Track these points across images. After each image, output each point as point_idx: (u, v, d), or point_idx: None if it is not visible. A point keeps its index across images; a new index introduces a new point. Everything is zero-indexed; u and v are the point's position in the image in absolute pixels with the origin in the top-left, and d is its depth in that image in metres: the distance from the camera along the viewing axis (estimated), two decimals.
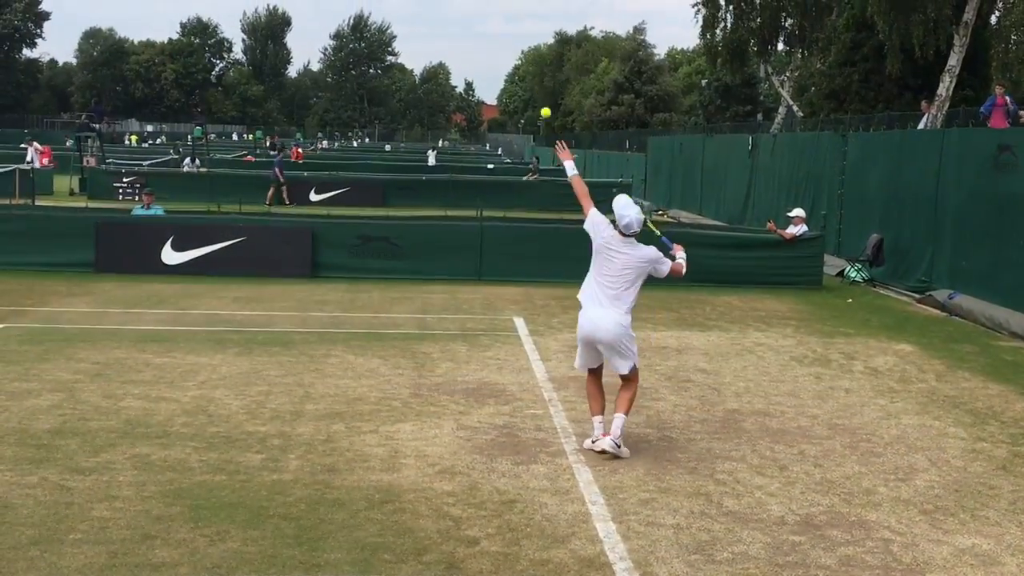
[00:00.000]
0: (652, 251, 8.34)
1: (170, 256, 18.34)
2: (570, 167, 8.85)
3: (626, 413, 8.20)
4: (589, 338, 8.22)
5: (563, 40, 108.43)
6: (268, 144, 74.58)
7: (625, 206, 8.09)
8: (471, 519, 6.72)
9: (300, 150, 56.87)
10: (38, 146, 45.68)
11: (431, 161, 56.92)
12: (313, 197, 36.61)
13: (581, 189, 8.58)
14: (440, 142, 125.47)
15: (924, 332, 14.76)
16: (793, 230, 19.14)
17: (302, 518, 6.63)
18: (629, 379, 8.31)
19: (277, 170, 35.94)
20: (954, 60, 27.45)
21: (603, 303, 8.16)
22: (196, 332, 12.98)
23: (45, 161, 43.50)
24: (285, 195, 35.57)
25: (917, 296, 17.89)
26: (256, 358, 11.46)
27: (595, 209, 8.34)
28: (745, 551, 6.34)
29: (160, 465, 7.63)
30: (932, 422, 9.65)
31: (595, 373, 8.46)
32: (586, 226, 8.34)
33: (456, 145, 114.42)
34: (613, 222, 8.17)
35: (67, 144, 40.60)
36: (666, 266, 8.58)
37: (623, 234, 8.13)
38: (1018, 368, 12.42)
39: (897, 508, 7.22)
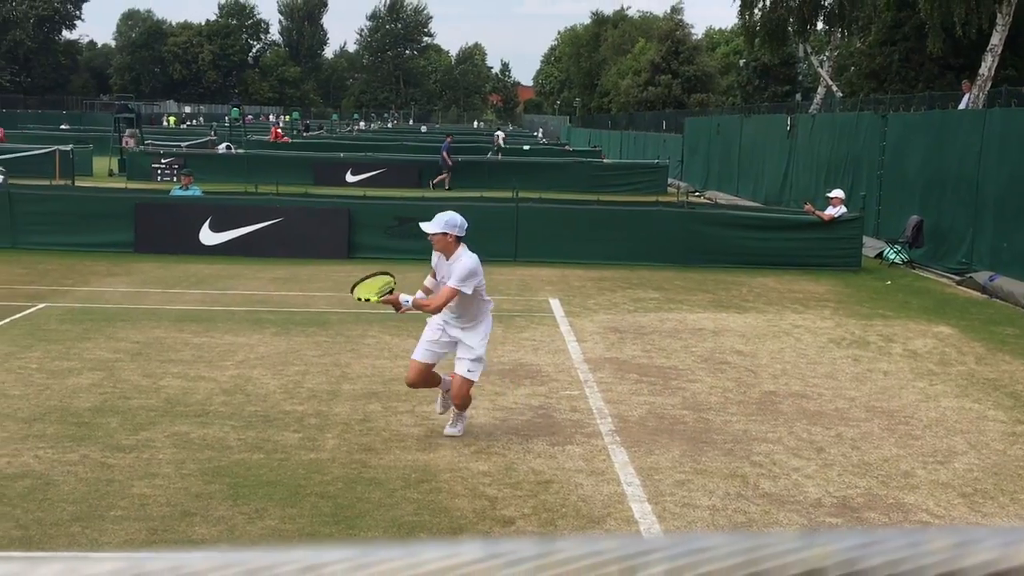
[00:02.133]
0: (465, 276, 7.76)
1: (208, 237, 18.47)
2: (404, 300, 7.91)
3: (459, 407, 8.11)
4: (435, 337, 8.20)
5: (600, 20, 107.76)
6: (303, 126, 74.80)
7: (450, 217, 7.85)
8: (507, 499, 6.74)
9: (280, 130, 56.10)
10: None
11: (499, 142, 56.57)
12: (349, 178, 36.69)
13: (434, 304, 7.87)
14: (476, 123, 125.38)
15: (964, 314, 14.61)
16: (832, 211, 18.98)
17: (339, 496, 6.68)
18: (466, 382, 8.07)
19: (445, 155, 36.03)
20: (996, 39, 27.03)
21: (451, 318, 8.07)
22: (234, 312, 13.08)
23: None
24: (446, 181, 35.74)
25: (957, 278, 17.70)
26: (293, 338, 11.53)
27: (458, 287, 7.66)
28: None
29: (199, 443, 7.70)
30: (971, 405, 9.56)
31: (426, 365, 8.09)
32: (473, 285, 7.73)
33: (491, 126, 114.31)
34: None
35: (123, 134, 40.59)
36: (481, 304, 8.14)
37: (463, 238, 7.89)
38: None
39: (935, 491, 7.17)
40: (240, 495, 6.66)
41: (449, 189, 34.68)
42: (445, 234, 7.71)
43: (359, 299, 7.94)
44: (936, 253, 19.29)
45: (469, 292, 7.66)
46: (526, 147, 53.69)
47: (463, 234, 7.80)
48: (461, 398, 7.97)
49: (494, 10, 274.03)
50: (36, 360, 10.17)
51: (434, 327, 8.01)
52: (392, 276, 8.15)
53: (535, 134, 62.06)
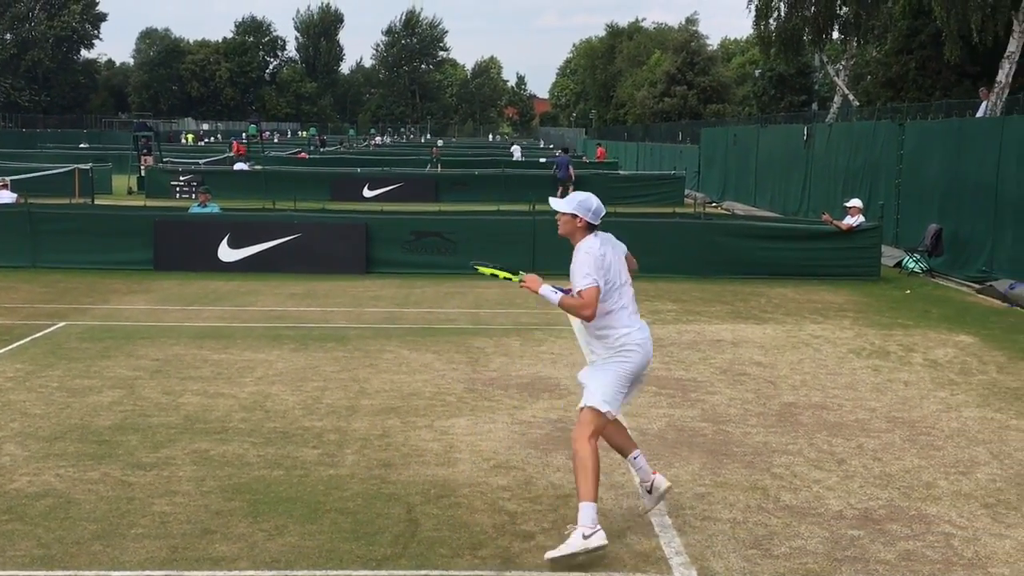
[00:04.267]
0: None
1: (227, 253, 18.55)
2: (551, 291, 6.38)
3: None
4: (644, 365, 6.42)
5: (614, 32, 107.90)
6: (319, 140, 74.94)
7: (585, 198, 6.53)
8: (526, 514, 6.72)
9: (242, 144, 55.72)
10: None
11: (517, 156, 56.81)
12: (367, 193, 36.82)
13: (577, 309, 6.19)
14: (491, 137, 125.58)
15: (985, 323, 14.52)
16: (850, 220, 18.92)
17: (359, 513, 6.68)
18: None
19: (568, 168, 36.17)
20: (1013, 46, 26.92)
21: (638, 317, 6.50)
22: (253, 328, 13.12)
23: None
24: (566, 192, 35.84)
25: (977, 286, 17.61)
26: (312, 354, 11.55)
27: (591, 284, 6.17)
28: (803, 545, 6.29)
29: (219, 460, 7.72)
30: (994, 414, 9.50)
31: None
32: (596, 284, 6.16)
33: (507, 139, 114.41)
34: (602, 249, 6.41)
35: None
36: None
37: (597, 226, 6.53)
38: None
39: (958, 502, 7.12)
40: (260, 512, 6.67)
41: None
42: (574, 216, 6.45)
43: (480, 271, 7.03)
44: (956, 262, 19.20)
45: (598, 283, 6.16)
46: (543, 160, 53.77)
47: (596, 222, 6.46)
48: (576, 437, 6.19)
49: (510, 24, 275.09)
50: (57, 379, 10.22)
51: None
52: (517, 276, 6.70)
53: (511, 150, 61.57)
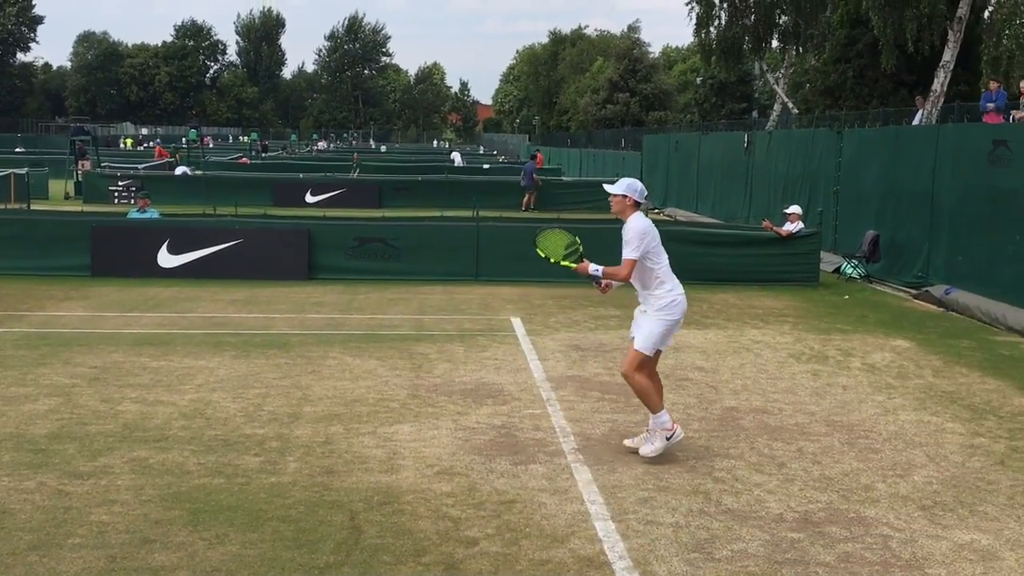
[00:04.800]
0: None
1: (166, 259, 18.33)
2: (594, 269, 8.08)
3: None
4: (683, 315, 8.30)
5: (557, 39, 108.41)
6: (261, 145, 74.39)
7: (631, 182, 8.15)
8: (470, 520, 6.72)
9: (164, 149, 55.52)
10: None
11: (457, 162, 56.44)
12: (309, 199, 36.60)
13: (617, 276, 8.11)
14: (435, 143, 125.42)
15: (921, 328, 14.77)
16: (789, 227, 19.16)
17: (301, 520, 6.63)
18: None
19: (532, 176, 36.62)
20: (948, 55, 27.49)
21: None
22: (193, 335, 12.98)
23: None
24: (531, 201, 36.20)
25: (914, 292, 17.91)
26: (253, 361, 11.45)
27: (631, 256, 7.92)
28: (744, 549, 6.35)
29: (158, 469, 7.62)
30: (930, 418, 9.66)
31: (653, 361, 8.19)
32: (639, 255, 7.90)
33: (451, 145, 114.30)
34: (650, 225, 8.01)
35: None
36: None
37: (643, 206, 8.20)
38: (1015, 363, 12.44)
39: (896, 504, 7.23)
40: (200, 521, 6.59)
41: (534, 209, 35.16)
42: (624, 196, 8.03)
43: (541, 254, 8.34)
44: (893, 267, 19.50)
45: (635, 256, 7.88)
46: (486, 166, 53.81)
47: (641, 200, 8.08)
48: (626, 372, 8.01)
49: (453, 30, 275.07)
50: None
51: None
52: (576, 238, 8.32)
53: (451, 156, 61.39)
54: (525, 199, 36.06)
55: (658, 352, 8.12)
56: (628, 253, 7.89)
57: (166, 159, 48.85)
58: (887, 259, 19.66)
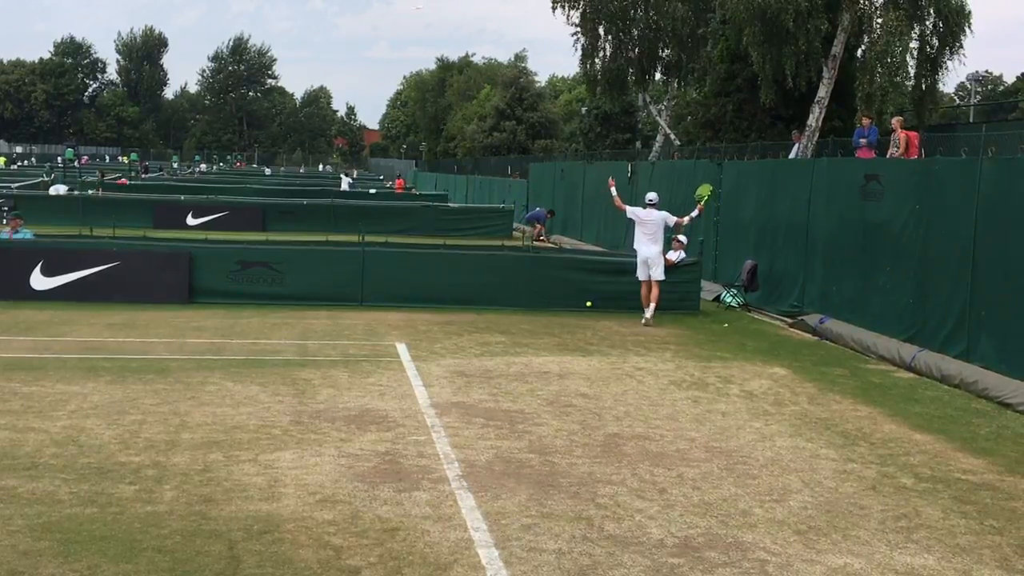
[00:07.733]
0: (663, 212, 17.76)
1: (40, 282, 17.76)
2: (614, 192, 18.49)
3: (657, 305, 17.37)
4: (644, 259, 17.47)
5: (445, 66, 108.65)
6: (141, 166, 72.90)
7: (649, 196, 17.96)
8: (352, 548, 6.64)
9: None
10: None
11: (344, 186, 55.63)
12: (191, 221, 35.90)
13: (619, 205, 18.73)
14: (320, 166, 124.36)
15: (796, 356, 15.16)
16: (672, 256, 19.48)
17: (177, 551, 6.47)
18: (658, 284, 17.51)
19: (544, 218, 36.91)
20: (823, 92, 28.36)
21: (647, 243, 17.49)
22: (66, 360, 12.59)
23: None
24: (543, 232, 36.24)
25: (789, 321, 18.37)
26: (130, 386, 11.16)
27: (628, 208, 18.30)
28: (626, 574, 6.40)
29: (28, 498, 7.36)
30: (805, 444, 9.90)
31: (646, 282, 17.51)
32: (628, 215, 18.21)
33: (336, 169, 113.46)
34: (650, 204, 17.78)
35: None
36: (672, 220, 17.84)
37: (647, 206, 17.72)
38: (885, 391, 12.85)
39: (772, 529, 7.38)
40: (71, 552, 6.38)
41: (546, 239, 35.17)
42: (654, 204, 17.78)
43: (704, 195, 17.82)
44: (770, 296, 19.98)
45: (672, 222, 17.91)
46: (372, 191, 53.56)
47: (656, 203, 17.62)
48: (657, 297, 17.38)
49: (340, 54, 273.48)
50: None
51: (641, 253, 17.64)
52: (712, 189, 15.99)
53: (341, 179, 60.98)
54: (536, 231, 36.24)
55: (643, 282, 17.59)
56: (668, 218, 17.86)
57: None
58: (765, 288, 20.13)
